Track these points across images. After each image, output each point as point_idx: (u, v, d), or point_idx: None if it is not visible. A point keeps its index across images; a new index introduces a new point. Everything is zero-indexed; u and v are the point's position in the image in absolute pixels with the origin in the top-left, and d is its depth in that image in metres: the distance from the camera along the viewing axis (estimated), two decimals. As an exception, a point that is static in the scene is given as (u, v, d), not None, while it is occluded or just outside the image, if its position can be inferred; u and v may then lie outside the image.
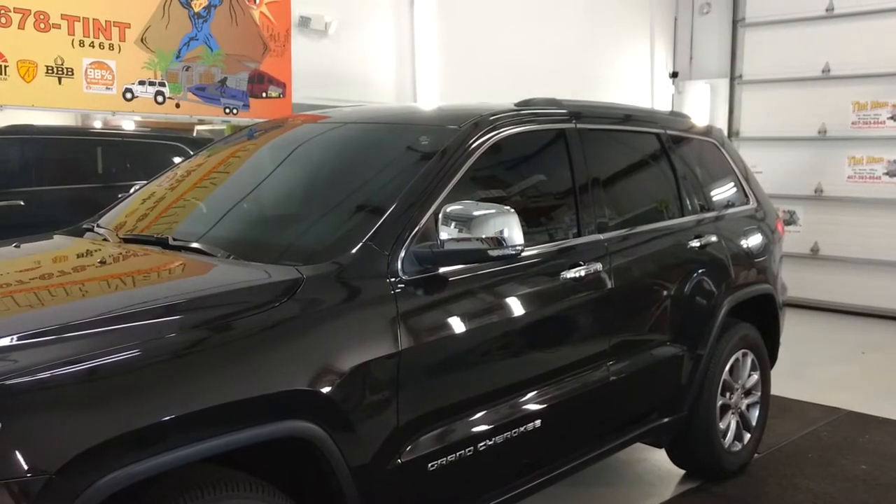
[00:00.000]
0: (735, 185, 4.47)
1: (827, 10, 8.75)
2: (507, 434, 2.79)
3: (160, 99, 6.13)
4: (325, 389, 2.20)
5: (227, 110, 6.55)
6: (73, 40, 5.64)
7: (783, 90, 9.17)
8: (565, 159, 3.33)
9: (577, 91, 5.76)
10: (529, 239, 2.82)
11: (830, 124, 8.78)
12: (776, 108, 9.22)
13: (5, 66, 5.34)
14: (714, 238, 3.96)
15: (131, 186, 3.80)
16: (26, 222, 5.68)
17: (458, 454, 2.61)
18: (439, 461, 2.55)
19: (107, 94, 5.86)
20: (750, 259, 4.25)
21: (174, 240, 2.77)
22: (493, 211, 2.52)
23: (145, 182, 3.68)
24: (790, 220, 8.97)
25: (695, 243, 3.85)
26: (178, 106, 6.24)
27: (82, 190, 6.63)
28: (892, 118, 8.41)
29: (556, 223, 3.30)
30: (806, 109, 8.90)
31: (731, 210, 4.31)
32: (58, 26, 5.57)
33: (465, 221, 2.49)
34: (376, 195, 2.84)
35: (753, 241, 4.31)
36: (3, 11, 5.30)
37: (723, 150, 4.48)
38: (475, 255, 2.54)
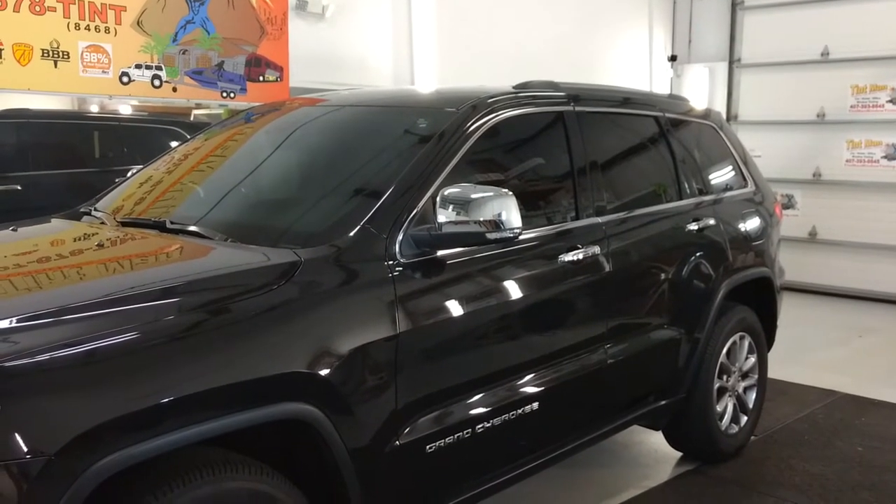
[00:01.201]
0: (733, 169, 4.47)
1: (826, -8, 8.71)
2: (505, 416, 2.80)
3: (157, 83, 6.10)
4: (324, 372, 2.20)
5: (225, 94, 6.53)
6: (68, 23, 5.61)
7: (782, 74, 9.13)
8: (563, 142, 3.32)
9: (576, 74, 5.74)
10: (527, 222, 2.82)
11: (829, 108, 8.76)
12: (775, 92, 9.19)
13: (0, 50, 5.31)
14: (712, 221, 3.96)
15: (128, 171, 3.78)
16: (24, 206, 5.68)
17: (456, 436, 2.62)
18: (437, 443, 2.56)
19: (103, 78, 5.83)
20: (748, 242, 4.25)
21: (172, 223, 2.76)
22: (490, 194, 2.52)
23: (142, 166, 3.67)
24: (788, 203, 8.97)
25: (693, 226, 3.85)
26: (174, 90, 6.22)
27: (79, 174, 6.62)
28: (891, 101, 8.39)
29: (553, 206, 3.30)
30: (805, 93, 8.87)
31: (729, 193, 4.31)
32: (53, 9, 5.53)
33: (462, 204, 2.49)
34: (374, 178, 2.84)
35: (751, 224, 4.31)
36: (-3, -6, 5.28)
37: (721, 133, 4.48)
38: (473, 237, 2.54)
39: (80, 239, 2.87)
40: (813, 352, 6.36)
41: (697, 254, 3.82)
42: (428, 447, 2.53)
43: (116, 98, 6.27)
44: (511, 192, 2.57)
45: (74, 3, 5.61)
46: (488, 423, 2.74)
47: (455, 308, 2.62)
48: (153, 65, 6.06)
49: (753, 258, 4.28)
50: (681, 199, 3.92)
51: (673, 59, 10.35)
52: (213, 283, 2.23)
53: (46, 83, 5.60)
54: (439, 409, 2.57)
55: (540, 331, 3.02)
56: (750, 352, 4.23)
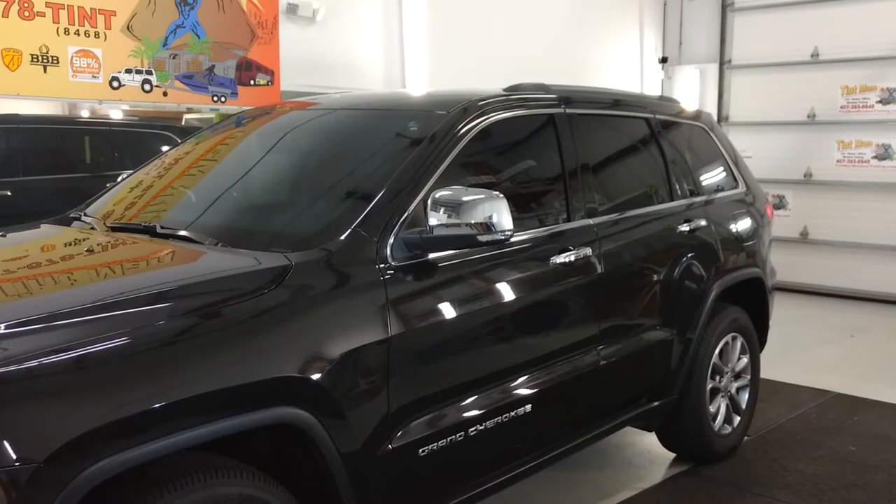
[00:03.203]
0: (724, 170, 4.48)
1: (815, -6, 8.75)
2: (498, 419, 2.79)
3: (147, 87, 6.09)
4: (315, 376, 2.19)
5: (215, 98, 6.52)
6: (58, 28, 5.59)
7: (772, 75, 9.17)
8: (554, 144, 3.32)
9: (567, 76, 5.74)
10: (519, 224, 2.82)
11: (819, 108, 8.79)
12: (765, 93, 9.23)
13: (-10, 55, 5.30)
14: (703, 222, 3.97)
15: (119, 175, 3.77)
16: (14, 212, 5.65)
17: (449, 439, 2.61)
18: (430, 446, 2.55)
19: (93, 83, 5.82)
20: (739, 243, 4.26)
21: (162, 228, 2.75)
22: (481, 196, 2.51)
23: (133, 170, 3.66)
24: (780, 204, 9.00)
25: (684, 228, 3.85)
26: (165, 94, 6.21)
27: (70, 179, 6.61)
28: (880, 102, 8.43)
29: (545, 208, 3.30)
30: (795, 94, 8.91)
31: (720, 194, 4.32)
32: (42, 14, 5.52)
33: (454, 207, 2.48)
34: (365, 181, 2.83)
35: (743, 225, 4.32)
36: (-14, -1, 5.26)
37: (712, 134, 4.49)
38: (464, 240, 2.54)
39: (70, 244, 2.86)
40: (805, 352, 6.38)
41: (689, 255, 3.82)
42: (421, 450, 2.53)
43: (107, 103, 6.25)
44: (502, 195, 2.57)
45: (64, 8, 5.60)
46: (481, 425, 2.73)
47: (447, 311, 2.62)
48: (143, 69, 6.05)
49: (745, 259, 4.29)
50: (672, 200, 3.92)
51: (664, 60, 10.39)
52: (203, 288, 2.22)
53: (36, 88, 5.59)
54: (432, 412, 2.57)
55: (532, 333, 3.02)
56: (742, 352, 4.23)
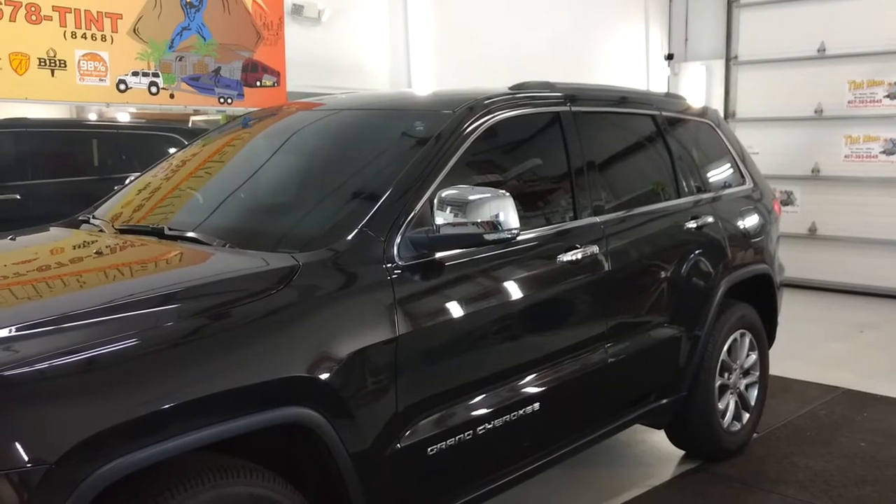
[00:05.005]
0: (731, 166, 4.47)
1: (822, -11, 8.72)
2: (507, 417, 2.80)
3: (154, 90, 6.11)
4: (324, 376, 2.20)
5: (222, 100, 6.53)
6: (65, 32, 5.62)
7: (779, 70, 9.14)
8: (560, 142, 3.32)
9: (573, 74, 5.75)
10: (525, 222, 2.82)
11: (827, 104, 8.76)
12: (772, 89, 9.20)
13: (-3, 59, 5.33)
14: (711, 219, 3.96)
15: (127, 178, 3.79)
16: (23, 216, 5.68)
17: (457, 438, 2.62)
18: (439, 445, 2.56)
19: (100, 86, 5.84)
20: (747, 239, 4.25)
21: (170, 229, 2.76)
22: (488, 195, 2.52)
23: (140, 173, 3.68)
24: (787, 200, 8.97)
25: (691, 224, 3.85)
26: (172, 96, 6.23)
27: (78, 182, 6.63)
28: (888, 96, 8.39)
29: (551, 206, 3.30)
30: (802, 89, 8.88)
31: (727, 191, 4.31)
32: (49, 18, 5.54)
33: (460, 206, 2.49)
34: (371, 181, 2.84)
35: (750, 221, 4.31)
36: (-6, 4, 5.29)
37: (718, 131, 4.48)
38: (471, 239, 2.54)
39: (78, 247, 2.88)
40: (814, 348, 6.36)
41: (696, 251, 3.82)
42: (429, 449, 2.53)
43: (114, 106, 6.28)
44: (508, 193, 2.57)
45: (70, 12, 5.62)
46: (489, 424, 2.73)
47: (454, 310, 2.62)
48: (150, 72, 6.07)
49: (753, 255, 4.28)
50: (679, 197, 3.91)
51: (670, 57, 10.37)
52: (212, 289, 2.23)
53: (44, 92, 5.61)
54: (440, 411, 2.57)
55: (540, 331, 3.02)
56: (751, 349, 4.22)
